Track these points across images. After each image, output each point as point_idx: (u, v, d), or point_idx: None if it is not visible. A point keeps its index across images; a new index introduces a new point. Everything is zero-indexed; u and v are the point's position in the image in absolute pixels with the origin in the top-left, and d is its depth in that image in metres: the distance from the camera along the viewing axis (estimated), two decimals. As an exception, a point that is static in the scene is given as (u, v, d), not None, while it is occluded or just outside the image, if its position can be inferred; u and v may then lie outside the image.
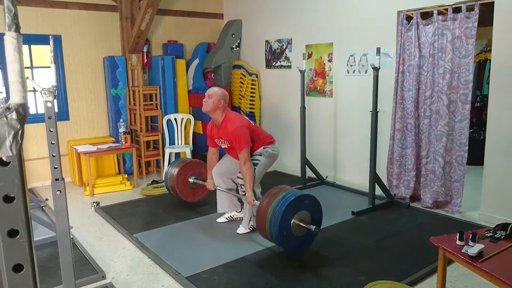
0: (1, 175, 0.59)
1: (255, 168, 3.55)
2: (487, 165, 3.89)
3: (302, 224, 3.05)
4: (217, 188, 3.86)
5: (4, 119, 0.57)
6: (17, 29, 0.58)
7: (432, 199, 4.28)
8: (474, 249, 2.07)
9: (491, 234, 2.31)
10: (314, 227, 3.03)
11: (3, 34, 0.62)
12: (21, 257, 0.61)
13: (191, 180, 4.23)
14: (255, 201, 3.43)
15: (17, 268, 0.62)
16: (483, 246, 2.11)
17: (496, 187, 3.83)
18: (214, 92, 3.54)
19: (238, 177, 3.65)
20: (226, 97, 3.56)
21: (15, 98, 0.59)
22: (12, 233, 0.61)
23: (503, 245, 2.17)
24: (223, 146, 3.69)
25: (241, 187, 3.66)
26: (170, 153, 5.80)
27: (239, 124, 3.46)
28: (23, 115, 0.59)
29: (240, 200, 3.93)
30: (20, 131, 0.58)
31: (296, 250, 3.17)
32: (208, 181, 3.93)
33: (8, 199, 0.60)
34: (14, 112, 0.58)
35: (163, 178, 4.50)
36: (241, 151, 3.42)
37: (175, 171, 4.19)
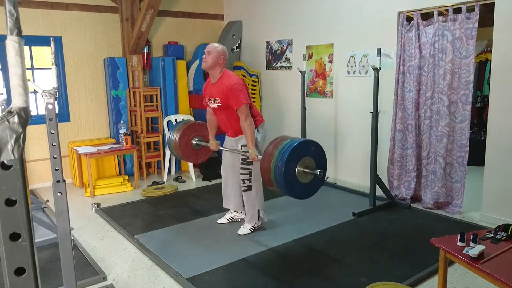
0: (3, 179, 0.59)
1: (252, 167, 3.52)
2: (488, 166, 3.89)
3: (307, 170, 2.95)
4: (220, 148, 3.78)
5: (6, 122, 0.57)
6: (19, 33, 0.59)
7: (433, 200, 4.28)
8: (475, 250, 2.07)
9: (492, 235, 2.31)
10: (319, 170, 2.94)
11: (4, 36, 0.62)
12: (23, 261, 0.62)
13: (194, 142, 4.08)
14: (258, 156, 3.31)
15: (19, 271, 0.62)
16: (484, 247, 2.11)
17: (497, 188, 3.83)
18: (214, 48, 3.42)
19: (240, 173, 3.62)
20: (226, 53, 3.45)
21: (17, 102, 0.59)
22: (14, 237, 0.61)
23: (504, 246, 2.17)
24: (213, 105, 3.53)
25: (244, 182, 3.60)
26: (170, 154, 5.80)
27: (238, 81, 3.36)
28: (25, 119, 0.59)
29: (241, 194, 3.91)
30: (22, 135, 0.58)
31: (303, 196, 3.07)
32: (211, 142, 3.85)
33: (10, 202, 0.60)
34: (16, 116, 0.58)
35: (166, 141, 4.33)
36: (240, 106, 3.30)
37: (178, 134, 4.03)
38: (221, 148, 3.78)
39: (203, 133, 4.08)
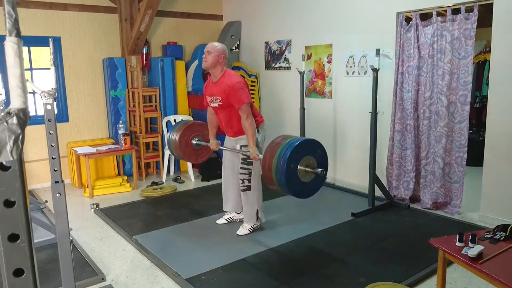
0: (1, 180, 0.59)
1: (251, 167, 3.52)
2: (487, 166, 3.90)
3: (309, 169, 2.93)
4: (220, 148, 3.77)
5: (5, 124, 0.57)
6: (18, 34, 0.58)
7: (432, 200, 4.29)
8: (473, 250, 2.07)
9: (490, 235, 2.31)
10: (321, 169, 2.93)
11: (3, 36, 0.62)
12: (22, 262, 0.61)
13: (194, 142, 4.06)
14: (259, 155, 3.30)
15: (18, 272, 0.61)
16: (483, 247, 2.11)
17: (496, 188, 3.83)
18: (213, 47, 3.41)
19: (240, 173, 3.59)
20: (225, 52, 3.44)
21: (16, 103, 0.59)
22: (13, 238, 0.61)
23: (502, 246, 2.17)
24: (214, 104, 3.52)
25: (243, 182, 3.58)
26: (169, 154, 5.80)
27: (239, 80, 3.36)
28: (24, 120, 0.59)
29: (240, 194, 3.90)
30: (20, 136, 0.58)
31: (305, 195, 3.06)
32: (211, 141, 3.84)
33: (8, 203, 0.60)
34: (14, 117, 0.58)
35: (166, 141, 4.31)
36: (242, 105, 3.30)
37: (177, 134, 4.01)
38: (221, 148, 3.78)
39: (203, 132, 4.07)
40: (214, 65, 3.39)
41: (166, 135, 4.82)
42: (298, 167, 2.91)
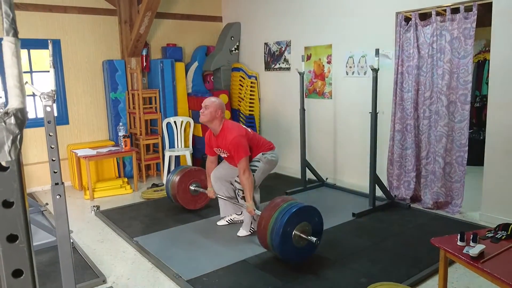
0: (0, 180, 0.59)
1: (253, 174, 3.55)
2: (487, 165, 3.89)
3: (303, 236, 3.03)
4: (218, 196, 3.87)
5: (3, 124, 0.57)
6: (15, 34, 0.58)
7: (433, 200, 4.28)
8: (475, 249, 2.06)
9: (492, 234, 2.31)
10: (315, 238, 3.02)
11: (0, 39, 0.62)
12: (21, 262, 0.61)
13: (192, 188, 4.25)
14: (256, 210, 3.44)
15: (17, 273, 0.61)
16: (484, 246, 2.11)
17: (497, 187, 3.83)
18: (211, 102, 3.52)
19: (236, 181, 3.64)
20: (223, 107, 3.56)
21: (14, 103, 0.59)
22: (12, 238, 0.60)
23: (504, 245, 2.16)
24: (223, 155, 3.68)
25: (243, 192, 3.63)
26: (170, 156, 5.80)
27: (236, 134, 3.45)
28: (22, 120, 0.59)
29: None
30: (18, 136, 0.58)
31: (297, 260, 3.14)
32: (209, 189, 3.93)
33: (7, 204, 0.60)
34: (12, 117, 0.58)
35: (164, 187, 4.52)
36: (240, 160, 3.41)
37: (176, 179, 4.21)
38: (218, 195, 3.87)
39: (200, 178, 4.23)
40: (212, 120, 3.51)
41: (166, 176, 4.96)
42: (294, 232, 3.01)
